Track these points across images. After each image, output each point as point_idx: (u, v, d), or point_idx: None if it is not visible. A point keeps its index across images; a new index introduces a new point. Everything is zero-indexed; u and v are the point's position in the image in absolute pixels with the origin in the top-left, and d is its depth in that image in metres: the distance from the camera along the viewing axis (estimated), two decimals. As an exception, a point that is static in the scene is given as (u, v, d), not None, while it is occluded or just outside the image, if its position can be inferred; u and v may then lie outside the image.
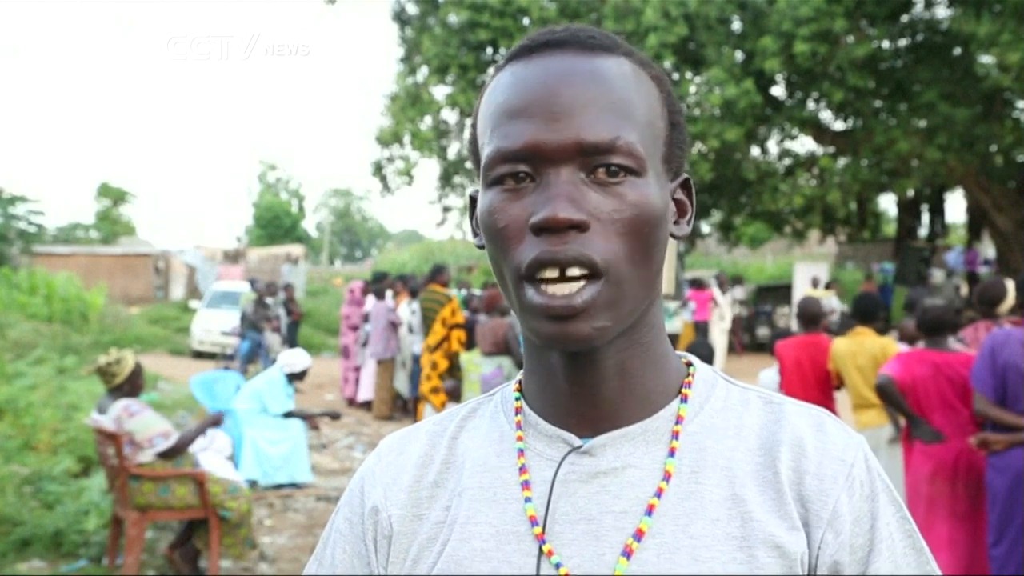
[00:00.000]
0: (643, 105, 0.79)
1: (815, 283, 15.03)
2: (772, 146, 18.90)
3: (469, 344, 7.04)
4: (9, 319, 13.71)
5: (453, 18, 16.97)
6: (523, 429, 0.84)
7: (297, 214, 52.74)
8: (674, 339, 12.62)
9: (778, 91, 17.21)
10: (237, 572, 5.25)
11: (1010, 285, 4.98)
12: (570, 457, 0.80)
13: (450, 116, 18.23)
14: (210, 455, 5.61)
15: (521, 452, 0.82)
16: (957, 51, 15.53)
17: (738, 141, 15.55)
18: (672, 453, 0.79)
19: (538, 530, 0.77)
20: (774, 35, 14.67)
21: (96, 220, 40.18)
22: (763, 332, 17.55)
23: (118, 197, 42.16)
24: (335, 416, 7.76)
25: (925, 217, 24.56)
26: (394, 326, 10.50)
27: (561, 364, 0.81)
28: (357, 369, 11.59)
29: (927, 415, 4.40)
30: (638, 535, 0.75)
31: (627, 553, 0.75)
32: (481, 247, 0.82)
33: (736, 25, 16.51)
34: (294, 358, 7.46)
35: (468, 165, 17.60)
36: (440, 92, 18.20)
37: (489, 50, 17.11)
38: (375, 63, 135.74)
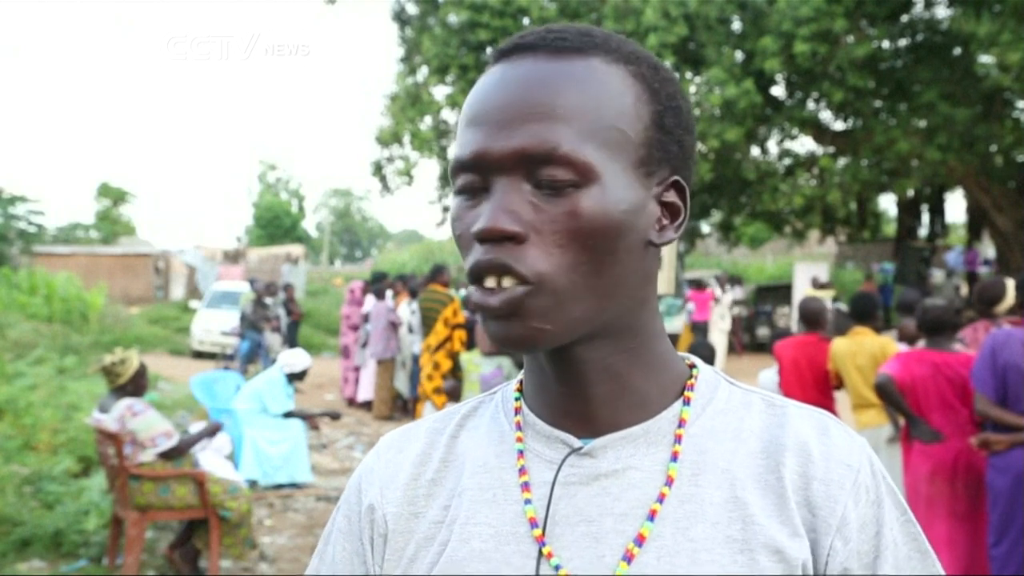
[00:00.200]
0: (609, 108, 0.75)
1: (815, 283, 15.04)
2: (772, 146, 18.91)
3: (469, 344, 7.04)
4: (9, 319, 13.72)
5: (453, 18, 16.97)
6: (523, 430, 0.84)
7: (297, 214, 52.74)
8: (674, 339, 12.63)
9: (778, 91, 17.22)
10: (237, 572, 5.25)
11: (1010, 285, 4.97)
12: (570, 459, 0.79)
13: (450, 116, 18.23)
14: (209, 454, 5.61)
15: (521, 453, 0.82)
16: (957, 51, 15.54)
17: (738, 141, 15.55)
18: (675, 457, 0.78)
19: (538, 532, 0.77)
20: (774, 35, 14.68)
21: (96, 220, 40.21)
22: (763, 332, 17.56)
23: (118, 197, 42.18)
24: (335, 416, 7.76)
25: (925, 217, 24.57)
26: (394, 326, 10.50)
27: (549, 365, 0.81)
28: (357, 369, 11.60)
29: (926, 415, 4.41)
30: (639, 540, 0.75)
31: (627, 557, 0.74)
32: None
33: (736, 25, 16.52)
34: (294, 358, 7.46)
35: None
36: (440, 92, 18.22)
37: (489, 50, 17.11)
38: (375, 63, 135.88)
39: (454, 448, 0.86)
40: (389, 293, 11.12)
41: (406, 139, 18.30)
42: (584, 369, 0.79)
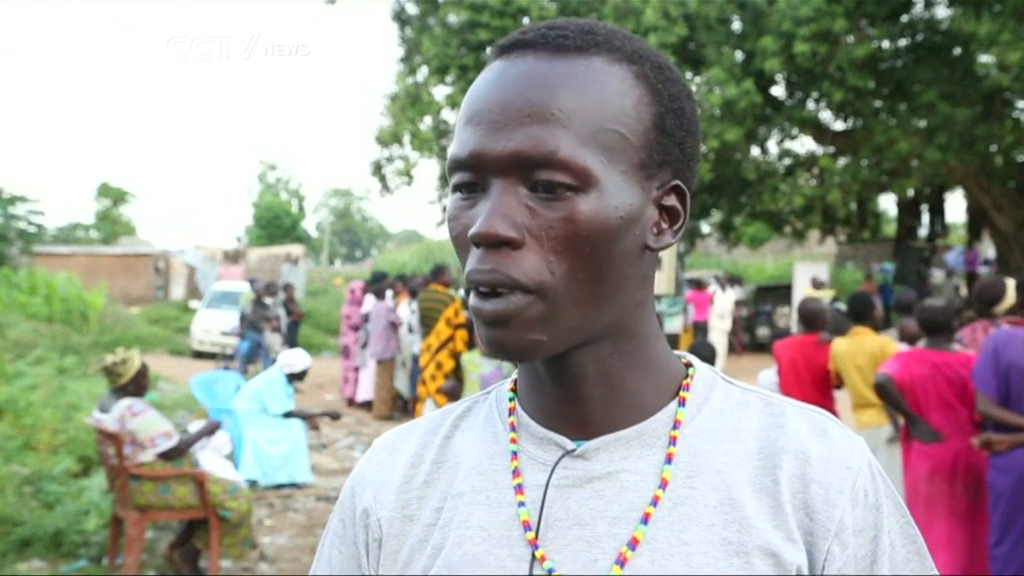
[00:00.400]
0: (609, 110, 0.74)
1: (815, 283, 15.04)
2: (772, 146, 18.91)
3: (470, 344, 7.05)
4: (9, 319, 13.72)
5: (453, 18, 16.97)
6: (516, 431, 0.83)
7: (297, 214, 52.71)
8: (673, 340, 12.62)
9: (778, 91, 17.21)
10: (237, 572, 5.25)
11: (1010, 285, 4.97)
12: (564, 461, 0.79)
13: (450, 116, 18.23)
14: (208, 453, 5.61)
15: (514, 455, 0.81)
16: (957, 51, 15.53)
17: (738, 141, 15.54)
18: (669, 459, 0.77)
19: (531, 535, 0.76)
20: (774, 35, 14.68)
21: (96, 220, 40.19)
22: (763, 332, 17.56)
23: (118, 197, 42.16)
24: (335, 416, 7.76)
25: (925, 217, 24.57)
26: (394, 326, 10.50)
27: (544, 368, 0.80)
28: (357, 369, 11.60)
29: (925, 415, 4.41)
30: (632, 543, 0.74)
31: (620, 560, 0.74)
32: None
33: (736, 25, 16.52)
34: (294, 358, 7.46)
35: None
36: (440, 92, 18.22)
37: (489, 50, 17.12)
38: (375, 63, 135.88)
39: (447, 449, 0.86)
40: (389, 293, 11.12)
41: (406, 139, 18.31)
42: (580, 372, 0.79)
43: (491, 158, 0.73)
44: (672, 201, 0.79)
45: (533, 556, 0.76)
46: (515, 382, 0.87)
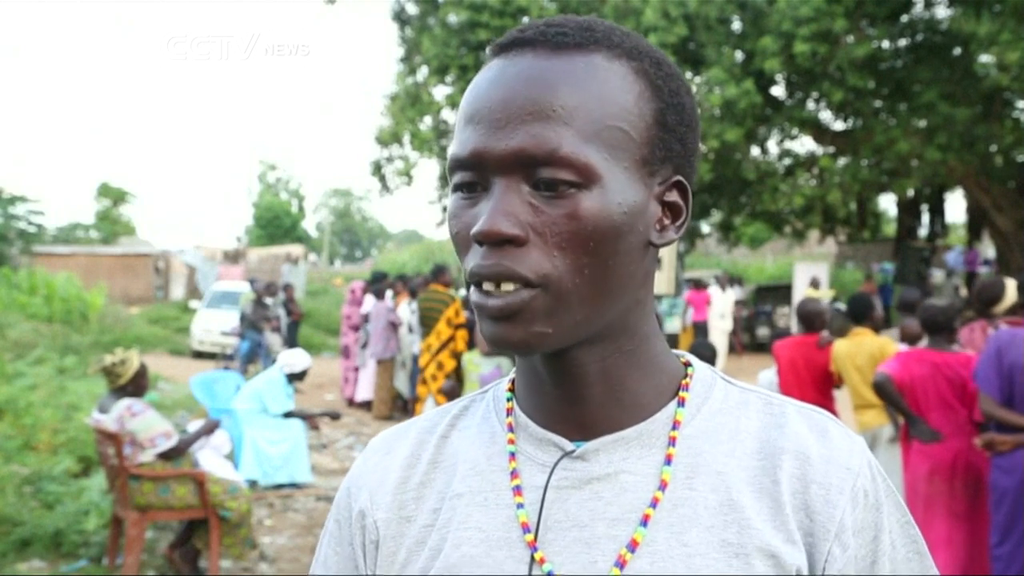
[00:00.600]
0: (610, 107, 0.74)
1: (815, 283, 15.04)
2: (772, 146, 18.92)
3: (470, 344, 7.05)
4: (9, 319, 13.72)
5: (453, 18, 16.98)
6: (514, 431, 0.82)
7: (297, 214, 52.73)
8: (673, 340, 12.63)
9: (778, 91, 17.22)
10: (237, 572, 5.25)
11: (1011, 285, 4.97)
12: (563, 462, 0.78)
13: (450, 116, 18.23)
14: (208, 453, 5.61)
15: (512, 455, 0.81)
16: (957, 51, 15.54)
17: (738, 141, 15.55)
18: (668, 460, 0.77)
19: (530, 537, 0.76)
20: (774, 35, 14.68)
21: (96, 220, 40.18)
22: (763, 332, 17.56)
23: (118, 197, 42.15)
24: (335, 416, 7.76)
25: (925, 217, 24.57)
26: (394, 326, 10.51)
27: (544, 367, 0.79)
28: (357, 369, 11.60)
29: (925, 414, 4.41)
30: (632, 545, 0.74)
31: (620, 563, 0.73)
32: None
33: (736, 25, 16.53)
34: (294, 358, 7.46)
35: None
36: (440, 92, 18.23)
37: (487, 49, 17.14)
38: (375, 63, 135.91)
39: (444, 448, 0.85)
40: (389, 293, 11.12)
41: (406, 139, 18.31)
42: (580, 372, 0.78)
43: (493, 157, 0.73)
44: (674, 197, 0.79)
45: (532, 558, 0.75)
46: (513, 382, 0.86)
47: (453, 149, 0.77)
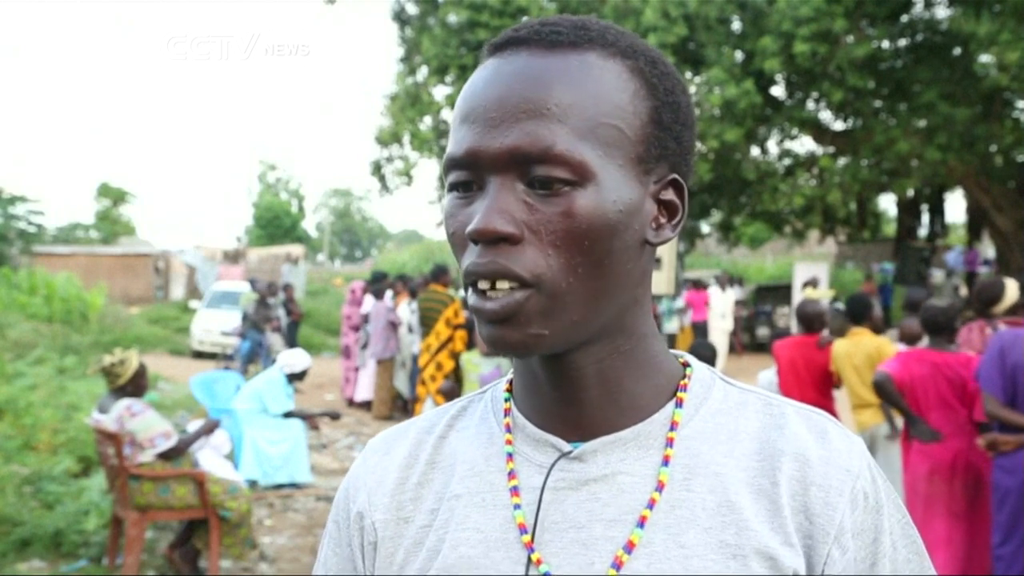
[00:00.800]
0: (605, 105, 0.74)
1: (815, 283, 15.04)
2: (772, 146, 18.92)
3: (469, 344, 7.05)
4: (9, 319, 13.72)
5: (453, 18, 16.98)
6: (512, 432, 0.82)
7: (297, 214, 52.73)
8: (671, 340, 12.63)
9: (778, 91, 17.22)
10: (237, 572, 5.25)
11: (1011, 285, 4.98)
12: (560, 463, 0.78)
13: (450, 116, 18.21)
14: (207, 453, 5.61)
15: (510, 456, 0.80)
16: (957, 51, 15.54)
17: (738, 141, 15.55)
18: (666, 461, 0.76)
19: (527, 538, 0.76)
20: (774, 35, 14.68)
21: (96, 220, 40.19)
22: (763, 332, 17.56)
23: (118, 197, 42.15)
24: (335, 416, 7.76)
25: (925, 217, 24.57)
26: (394, 326, 10.50)
27: (541, 368, 0.79)
28: (357, 369, 11.60)
29: (925, 414, 4.41)
30: (629, 547, 0.73)
31: (616, 564, 0.73)
32: None
33: (736, 25, 16.53)
34: (294, 358, 7.46)
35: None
36: (440, 92, 18.23)
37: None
38: (375, 63, 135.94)
39: (442, 449, 0.85)
40: (389, 293, 11.12)
41: (406, 139, 18.32)
42: (578, 374, 0.78)
43: (488, 155, 0.73)
44: (670, 195, 0.79)
45: (529, 559, 0.75)
46: (511, 382, 0.86)
47: (449, 148, 0.77)
